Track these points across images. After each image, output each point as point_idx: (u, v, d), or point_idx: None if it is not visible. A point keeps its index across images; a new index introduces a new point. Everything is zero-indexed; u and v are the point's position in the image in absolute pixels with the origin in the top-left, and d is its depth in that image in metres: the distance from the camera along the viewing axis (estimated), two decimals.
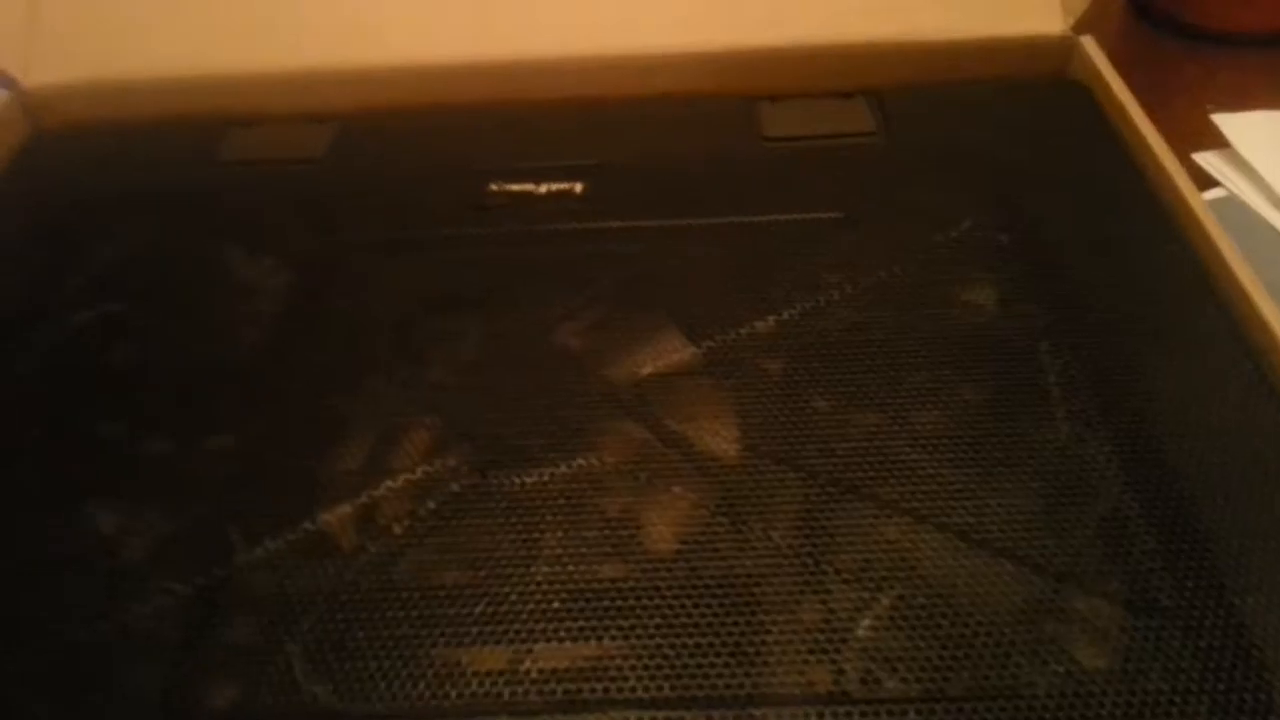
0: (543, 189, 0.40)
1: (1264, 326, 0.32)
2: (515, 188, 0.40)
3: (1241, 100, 0.51)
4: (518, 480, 0.30)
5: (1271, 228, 0.45)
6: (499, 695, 0.25)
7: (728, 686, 0.25)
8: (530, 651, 0.26)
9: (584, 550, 0.28)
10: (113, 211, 0.41)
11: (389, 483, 0.30)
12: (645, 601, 0.27)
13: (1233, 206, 0.46)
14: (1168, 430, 0.31)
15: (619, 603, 0.27)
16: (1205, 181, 0.47)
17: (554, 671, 0.26)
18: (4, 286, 0.38)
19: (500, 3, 0.44)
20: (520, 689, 0.25)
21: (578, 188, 0.40)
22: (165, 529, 0.29)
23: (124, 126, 0.44)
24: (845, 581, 0.27)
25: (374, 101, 0.44)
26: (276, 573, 0.28)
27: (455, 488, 0.30)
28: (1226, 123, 0.49)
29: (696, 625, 0.26)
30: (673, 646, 0.26)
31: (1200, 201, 0.36)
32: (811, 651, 0.26)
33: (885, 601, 0.27)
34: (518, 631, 0.26)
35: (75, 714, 0.25)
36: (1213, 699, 0.25)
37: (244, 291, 0.37)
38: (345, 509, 0.29)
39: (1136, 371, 0.33)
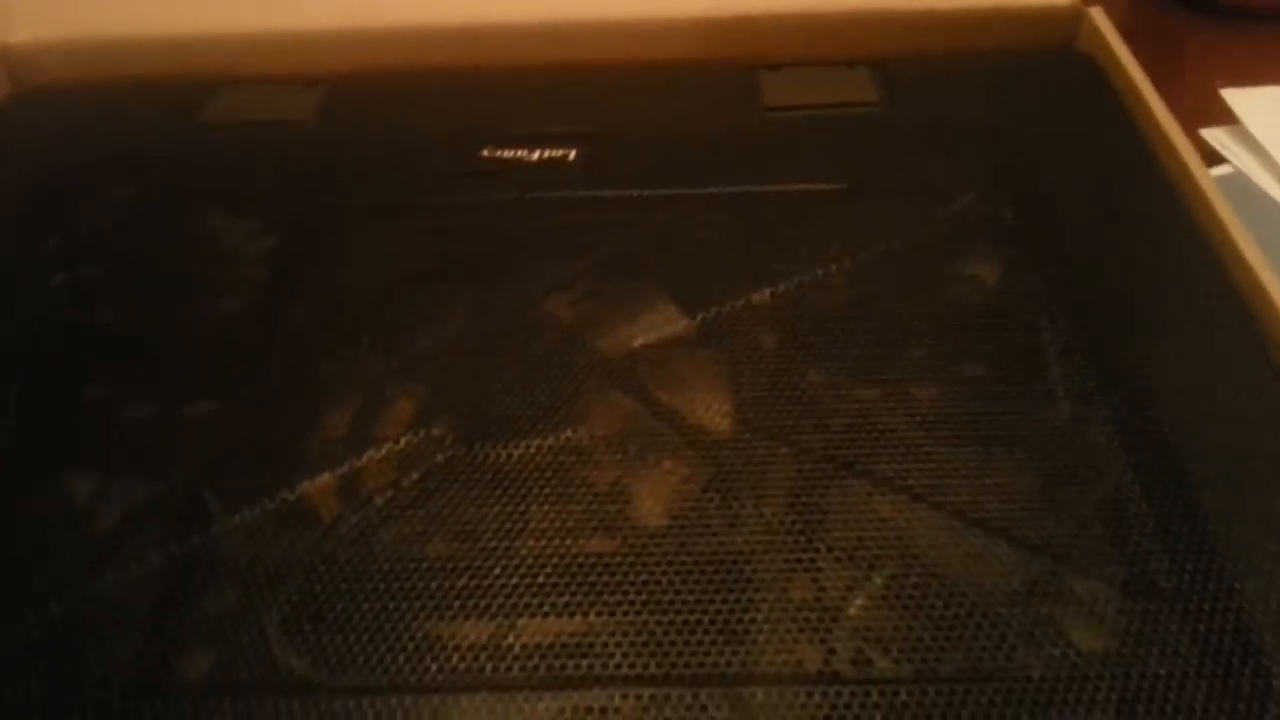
0: (536, 156, 0.39)
1: (1270, 305, 0.32)
2: (508, 154, 0.39)
3: (1251, 75, 0.50)
4: (504, 452, 0.29)
5: (1279, 205, 0.44)
6: (480, 670, 0.25)
7: (715, 665, 0.25)
8: (514, 626, 0.25)
9: (571, 524, 0.28)
10: (94, 173, 0.40)
11: (371, 452, 0.29)
12: (633, 577, 0.26)
13: (1240, 183, 0.45)
14: (1170, 411, 0.30)
15: (605, 578, 0.26)
16: (1213, 158, 0.46)
17: (538, 647, 0.25)
18: None
19: None
20: (503, 664, 0.25)
21: (572, 155, 0.39)
22: (142, 496, 0.29)
23: (107, 86, 0.43)
24: (837, 560, 0.27)
25: (364, 64, 0.43)
26: (254, 542, 0.27)
27: (440, 458, 0.29)
28: (1236, 98, 0.48)
29: (685, 602, 0.26)
30: (660, 623, 0.25)
31: (1208, 178, 0.35)
32: (802, 630, 0.25)
33: (878, 580, 0.26)
34: (501, 606, 0.26)
35: (45, 685, 0.25)
36: (1210, 683, 0.24)
37: (227, 256, 0.36)
38: (326, 478, 0.29)
39: (1140, 350, 0.32)
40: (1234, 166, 0.46)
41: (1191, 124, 0.46)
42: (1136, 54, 0.41)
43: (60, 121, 0.43)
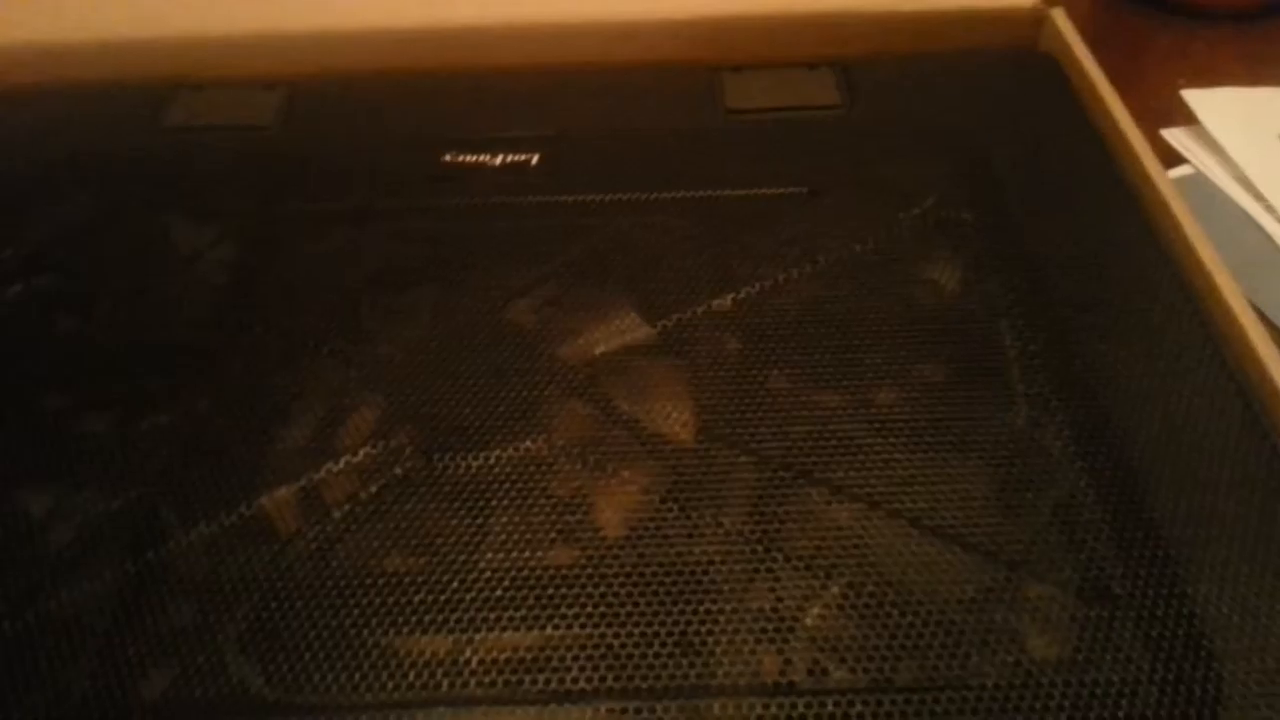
0: (498, 160, 0.39)
1: (1225, 308, 0.32)
2: (470, 158, 0.39)
3: (1212, 75, 0.50)
4: (464, 463, 0.29)
5: (1238, 206, 0.44)
6: (438, 686, 0.25)
7: (673, 677, 0.25)
8: (471, 641, 0.25)
9: (530, 536, 0.28)
10: (52, 178, 0.39)
11: (330, 465, 0.29)
12: (591, 589, 0.26)
13: (1200, 184, 0.45)
14: (1125, 415, 0.30)
15: (564, 590, 0.26)
16: (1173, 158, 0.47)
17: (495, 662, 0.25)
18: None
19: None
20: (460, 679, 0.25)
21: (534, 159, 0.39)
22: (98, 511, 0.28)
23: (65, 90, 0.43)
24: (795, 569, 0.27)
25: (324, 67, 0.43)
26: (211, 557, 0.27)
27: (399, 471, 0.29)
28: (1196, 99, 0.48)
29: (643, 614, 0.26)
30: (618, 636, 0.25)
31: (1166, 179, 0.36)
32: (759, 641, 0.25)
33: (834, 589, 0.26)
34: (459, 620, 0.26)
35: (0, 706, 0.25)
36: (1162, 689, 0.24)
37: (187, 263, 0.36)
38: (284, 492, 0.29)
39: (1095, 354, 0.32)
40: (1194, 167, 0.46)
41: (1153, 124, 0.47)
42: (1098, 55, 0.41)
43: (17, 126, 0.42)
